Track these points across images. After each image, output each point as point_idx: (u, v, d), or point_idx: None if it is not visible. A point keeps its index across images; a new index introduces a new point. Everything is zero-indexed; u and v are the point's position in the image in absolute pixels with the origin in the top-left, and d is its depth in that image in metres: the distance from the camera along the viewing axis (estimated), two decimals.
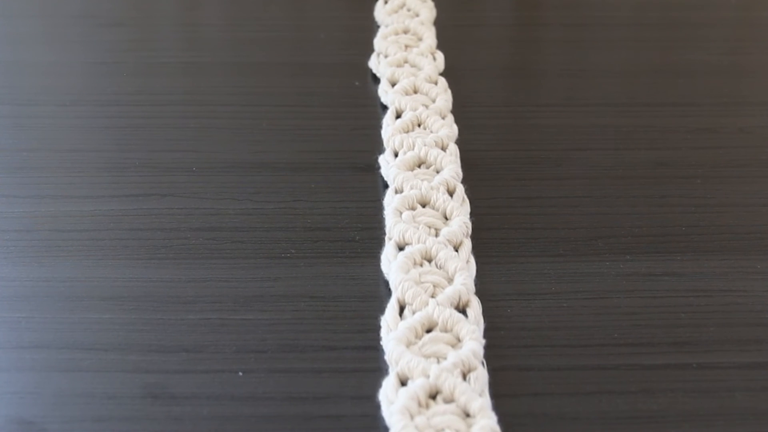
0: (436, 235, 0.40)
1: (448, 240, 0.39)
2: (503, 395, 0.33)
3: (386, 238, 0.40)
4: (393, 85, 0.54)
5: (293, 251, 0.41)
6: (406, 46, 0.58)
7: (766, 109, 0.57)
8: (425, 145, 0.46)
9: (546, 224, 0.43)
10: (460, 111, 0.55)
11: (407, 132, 0.48)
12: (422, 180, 0.43)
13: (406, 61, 0.56)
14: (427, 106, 0.50)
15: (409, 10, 0.64)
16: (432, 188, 0.43)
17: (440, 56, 0.57)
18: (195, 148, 0.50)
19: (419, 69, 0.55)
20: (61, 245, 0.41)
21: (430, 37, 0.59)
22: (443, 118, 0.50)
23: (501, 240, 0.42)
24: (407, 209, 0.41)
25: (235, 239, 0.42)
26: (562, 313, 0.37)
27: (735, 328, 0.37)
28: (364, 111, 0.53)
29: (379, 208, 0.43)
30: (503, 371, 0.34)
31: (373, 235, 0.42)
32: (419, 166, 0.46)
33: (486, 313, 0.37)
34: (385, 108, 0.52)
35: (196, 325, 0.36)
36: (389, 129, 0.48)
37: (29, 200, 0.45)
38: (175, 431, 0.32)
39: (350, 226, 0.43)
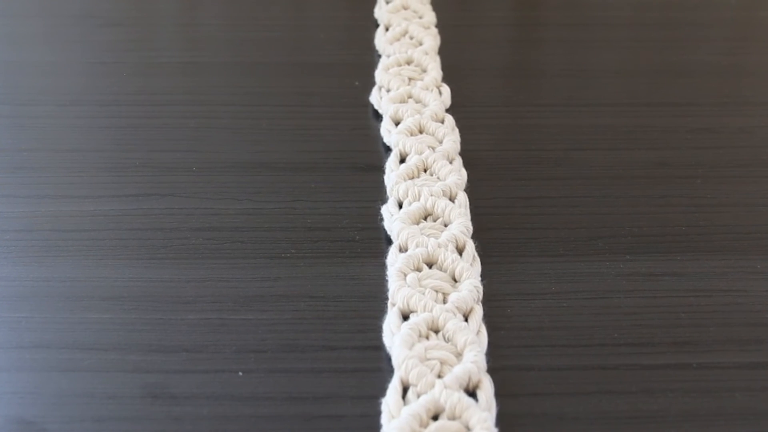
0: (444, 302, 0.37)
1: (457, 308, 0.36)
2: (503, 395, 0.33)
3: (389, 304, 0.37)
4: (396, 123, 0.50)
5: (293, 251, 0.41)
6: (410, 79, 0.55)
7: (767, 109, 0.57)
8: (432, 195, 0.43)
9: (546, 224, 0.43)
10: (460, 111, 0.55)
11: (412, 178, 0.45)
12: (429, 236, 0.40)
13: (410, 96, 0.53)
14: (433, 149, 0.47)
15: (411, 38, 0.61)
16: (440, 246, 0.39)
17: (446, 90, 0.54)
18: (195, 148, 0.50)
19: (424, 105, 0.52)
20: (61, 245, 0.41)
21: (435, 68, 0.56)
22: (451, 162, 0.46)
23: (501, 240, 0.42)
24: (412, 270, 0.38)
25: (235, 239, 0.42)
26: (562, 313, 0.37)
27: (735, 328, 0.37)
28: (365, 111, 0.53)
29: (380, 208, 0.43)
30: (503, 371, 0.34)
31: (373, 235, 0.42)
32: (425, 218, 0.42)
33: (486, 313, 0.37)
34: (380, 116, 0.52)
35: (196, 325, 0.36)
36: (393, 175, 0.45)
37: (29, 200, 0.45)
38: (175, 431, 0.32)
39: (350, 226, 0.43)
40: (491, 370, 0.34)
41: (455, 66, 0.62)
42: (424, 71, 0.56)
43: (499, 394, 0.33)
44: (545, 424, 0.32)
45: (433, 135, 0.49)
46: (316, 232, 0.42)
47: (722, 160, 0.49)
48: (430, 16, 0.64)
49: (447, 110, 0.52)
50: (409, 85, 0.54)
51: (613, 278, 0.40)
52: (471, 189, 0.46)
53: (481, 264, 0.40)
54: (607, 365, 0.35)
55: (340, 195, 0.45)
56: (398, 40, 0.60)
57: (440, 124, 0.50)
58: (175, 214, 0.44)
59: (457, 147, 0.48)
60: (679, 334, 0.36)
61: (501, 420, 0.32)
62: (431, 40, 0.60)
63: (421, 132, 0.49)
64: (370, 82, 0.56)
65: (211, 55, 0.64)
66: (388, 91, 0.54)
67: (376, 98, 0.54)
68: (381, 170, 0.47)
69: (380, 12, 0.65)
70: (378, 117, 0.52)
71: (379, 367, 0.35)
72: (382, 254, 0.40)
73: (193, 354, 0.35)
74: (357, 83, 0.57)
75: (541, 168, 0.48)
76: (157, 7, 0.74)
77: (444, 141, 0.48)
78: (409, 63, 0.57)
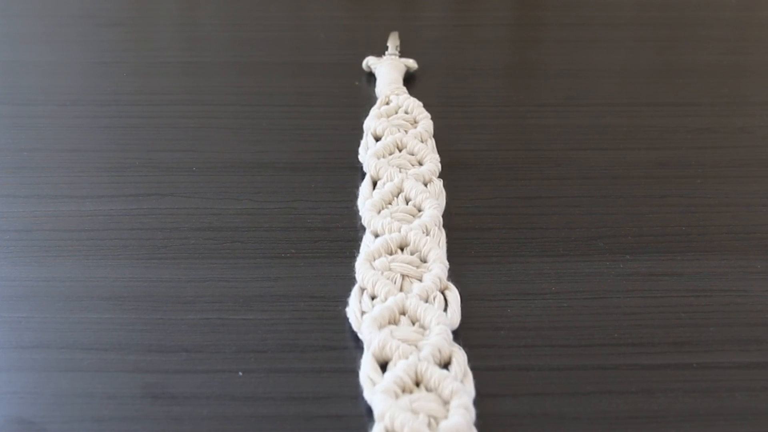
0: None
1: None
2: (503, 395, 0.33)
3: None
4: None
5: (293, 251, 0.41)
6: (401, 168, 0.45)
7: (767, 108, 0.57)
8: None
9: (546, 224, 0.43)
10: (460, 111, 0.55)
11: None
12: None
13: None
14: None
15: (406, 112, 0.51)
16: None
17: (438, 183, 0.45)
18: (195, 148, 0.50)
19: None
20: (61, 245, 0.41)
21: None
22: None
23: (501, 240, 0.42)
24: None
25: (235, 239, 0.42)
26: (562, 313, 0.37)
27: (735, 328, 0.37)
28: (364, 111, 0.53)
29: None
30: (503, 371, 0.34)
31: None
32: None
33: (486, 313, 0.37)
34: None
35: (196, 325, 0.36)
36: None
37: (29, 200, 0.45)
38: (175, 431, 0.32)
39: (350, 226, 0.43)
40: (491, 370, 0.34)
41: (455, 66, 0.63)
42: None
43: (499, 394, 0.33)
44: (545, 424, 0.32)
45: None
46: (316, 232, 0.42)
47: (722, 160, 0.49)
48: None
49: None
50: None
51: (613, 278, 0.40)
52: (471, 189, 0.46)
53: (481, 264, 0.40)
54: (607, 365, 0.35)
55: (340, 195, 0.45)
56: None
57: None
58: (175, 214, 0.44)
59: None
60: (679, 334, 0.36)
61: (501, 420, 0.32)
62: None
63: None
64: (369, 82, 0.56)
65: (211, 55, 0.64)
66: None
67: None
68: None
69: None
70: None
71: None
72: None
73: (193, 354, 0.35)
74: (357, 83, 0.57)
75: (541, 168, 0.48)
76: (157, 7, 0.74)
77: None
78: (400, 150, 0.47)
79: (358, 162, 0.47)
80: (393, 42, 0.62)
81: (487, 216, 0.44)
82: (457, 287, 0.38)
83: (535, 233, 0.43)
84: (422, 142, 0.47)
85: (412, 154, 0.46)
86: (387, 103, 0.51)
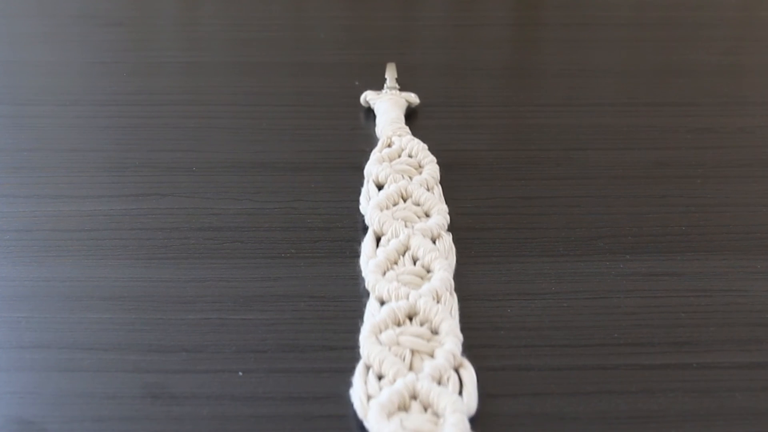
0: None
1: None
2: (503, 395, 0.33)
3: None
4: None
5: (293, 251, 0.41)
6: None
7: (767, 108, 0.57)
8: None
9: (546, 224, 0.43)
10: (460, 111, 0.55)
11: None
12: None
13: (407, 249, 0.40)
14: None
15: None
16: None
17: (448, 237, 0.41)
18: (195, 148, 0.50)
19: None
20: (61, 245, 0.41)
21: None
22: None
23: (501, 240, 0.42)
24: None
25: (235, 239, 0.42)
26: (562, 313, 0.37)
27: (735, 328, 0.37)
28: (364, 111, 0.53)
29: None
30: (503, 371, 0.34)
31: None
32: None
33: (486, 313, 0.37)
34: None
35: (196, 325, 0.36)
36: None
37: (29, 200, 0.45)
38: (175, 431, 0.32)
39: (350, 226, 0.43)
40: (491, 370, 0.34)
41: (455, 66, 0.63)
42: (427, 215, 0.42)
43: (499, 394, 0.33)
44: (545, 424, 0.32)
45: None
46: (316, 232, 0.42)
47: (722, 160, 0.49)
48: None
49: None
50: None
51: (613, 278, 0.40)
52: (471, 189, 0.46)
53: (482, 264, 0.40)
54: (607, 365, 0.35)
55: (340, 195, 0.45)
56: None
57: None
58: (175, 214, 0.44)
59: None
60: (679, 334, 0.36)
61: (501, 420, 0.32)
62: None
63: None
64: (370, 82, 0.56)
65: (211, 55, 0.64)
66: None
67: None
68: None
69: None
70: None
71: None
72: None
73: (193, 354, 0.35)
74: (357, 83, 0.57)
75: (541, 168, 0.48)
76: (157, 7, 0.74)
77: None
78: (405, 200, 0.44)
79: (358, 162, 0.47)
80: (391, 74, 0.56)
81: (487, 216, 0.44)
82: (457, 287, 0.38)
83: (535, 233, 0.43)
84: (428, 190, 0.44)
85: (418, 205, 0.43)
86: (389, 145, 0.48)
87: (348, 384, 0.33)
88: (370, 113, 0.54)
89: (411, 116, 0.53)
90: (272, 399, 0.33)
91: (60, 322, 0.37)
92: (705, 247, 0.42)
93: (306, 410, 0.33)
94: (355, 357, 0.34)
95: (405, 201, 0.43)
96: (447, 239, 0.41)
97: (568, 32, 0.69)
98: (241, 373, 0.34)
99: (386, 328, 0.35)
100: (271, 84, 0.59)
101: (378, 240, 0.41)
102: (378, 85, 0.55)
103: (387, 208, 0.42)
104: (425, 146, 0.47)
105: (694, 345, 0.36)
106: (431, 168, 0.45)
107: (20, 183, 0.46)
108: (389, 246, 0.40)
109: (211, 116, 0.54)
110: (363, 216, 0.43)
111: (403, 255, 0.40)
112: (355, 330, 0.36)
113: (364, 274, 0.39)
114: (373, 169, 0.45)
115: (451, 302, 0.37)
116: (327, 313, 0.37)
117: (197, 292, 0.38)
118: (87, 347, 0.35)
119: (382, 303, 0.37)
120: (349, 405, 0.33)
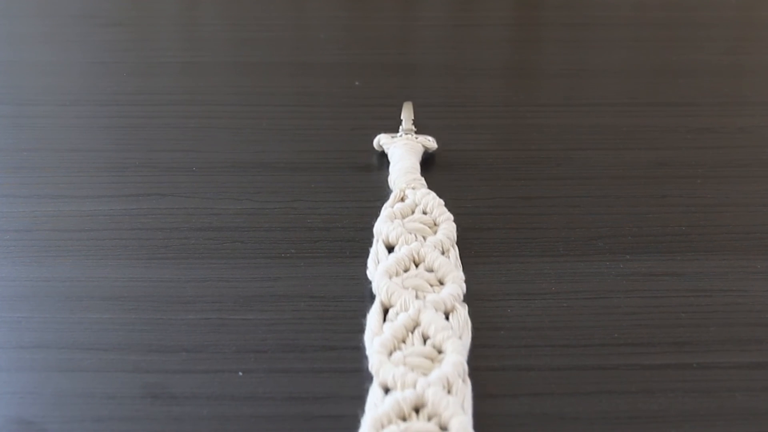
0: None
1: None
2: (503, 395, 0.33)
3: None
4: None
5: (293, 251, 0.41)
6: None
7: (767, 108, 0.57)
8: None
9: (546, 224, 0.43)
10: (460, 111, 0.55)
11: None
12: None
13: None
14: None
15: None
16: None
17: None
18: (195, 148, 0.50)
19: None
20: (61, 245, 0.41)
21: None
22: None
23: (501, 240, 0.42)
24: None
25: (235, 239, 0.42)
26: (562, 313, 0.37)
27: (735, 328, 0.37)
28: (364, 111, 0.53)
29: (379, 208, 0.43)
30: (503, 371, 0.34)
31: (373, 235, 0.42)
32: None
33: (486, 313, 0.37)
34: None
35: (196, 325, 0.36)
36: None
37: (29, 200, 0.45)
38: (175, 431, 0.32)
39: (350, 226, 0.43)
40: (491, 370, 0.34)
41: (455, 66, 0.63)
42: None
43: (499, 394, 0.33)
44: (545, 424, 0.32)
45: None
46: (316, 232, 0.42)
47: (722, 160, 0.49)
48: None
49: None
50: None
51: (613, 278, 0.40)
52: (471, 189, 0.46)
53: (481, 264, 0.40)
54: (607, 365, 0.35)
55: (340, 195, 0.45)
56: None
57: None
58: (175, 214, 0.44)
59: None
60: (679, 334, 0.36)
61: (501, 420, 0.32)
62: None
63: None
64: (370, 82, 0.56)
65: (211, 55, 0.64)
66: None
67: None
68: (381, 170, 0.47)
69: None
70: (377, 117, 0.52)
71: None
72: None
73: (193, 354, 0.35)
74: (357, 83, 0.57)
75: (541, 168, 0.48)
76: (157, 7, 0.74)
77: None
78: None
79: (358, 162, 0.47)
80: (407, 115, 0.51)
81: (487, 216, 0.44)
82: None
83: (535, 233, 0.43)
84: (443, 252, 0.40)
85: (431, 271, 0.39)
86: (402, 199, 0.43)
87: (348, 384, 0.33)
88: (370, 113, 0.54)
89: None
90: (272, 399, 0.33)
91: (60, 322, 0.37)
92: (705, 247, 0.42)
93: (306, 410, 0.33)
94: (356, 357, 0.34)
95: (417, 266, 0.39)
96: (462, 313, 0.36)
97: (568, 32, 0.69)
98: (241, 373, 0.34)
99: (389, 423, 0.31)
100: (271, 84, 0.59)
101: (386, 311, 0.37)
102: (378, 84, 0.55)
103: (397, 274, 0.38)
104: (441, 202, 0.43)
105: (694, 345, 0.36)
106: (447, 227, 0.41)
107: (20, 183, 0.46)
108: (397, 321, 0.36)
109: (211, 116, 0.54)
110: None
111: (413, 332, 0.35)
112: (355, 330, 0.36)
113: (368, 352, 0.35)
114: (383, 227, 0.41)
115: (464, 392, 0.32)
116: (327, 313, 0.37)
117: (197, 292, 0.38)
118: (87, 347, 0.35)
119: (387, 390, 0.33)
120: (349, 405, 0.33)
